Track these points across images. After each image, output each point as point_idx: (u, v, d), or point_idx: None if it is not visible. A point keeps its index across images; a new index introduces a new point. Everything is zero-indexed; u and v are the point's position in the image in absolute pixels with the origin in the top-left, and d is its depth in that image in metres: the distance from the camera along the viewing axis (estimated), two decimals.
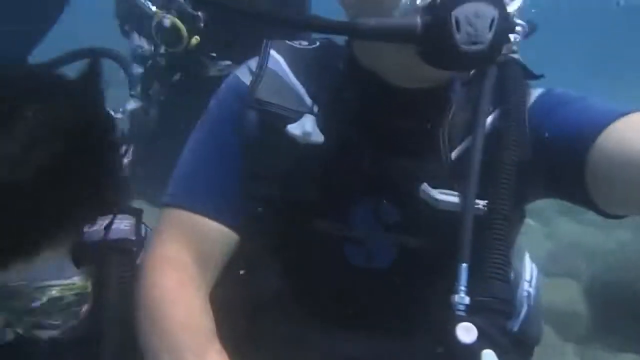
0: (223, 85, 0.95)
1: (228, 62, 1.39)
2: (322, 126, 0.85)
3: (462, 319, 0.74)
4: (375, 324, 0.90)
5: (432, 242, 0.86)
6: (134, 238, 0.86)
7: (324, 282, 0.91)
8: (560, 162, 0.80)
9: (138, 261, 0.88)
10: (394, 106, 0.84)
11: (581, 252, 3.94)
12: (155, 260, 0.86)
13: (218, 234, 0.89)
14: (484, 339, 0.73)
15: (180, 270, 0.86)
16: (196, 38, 1.33)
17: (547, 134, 0.82)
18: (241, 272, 0.93)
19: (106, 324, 0.81)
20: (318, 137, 0.85)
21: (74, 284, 0.74)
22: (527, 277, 1.04)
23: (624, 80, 9.98)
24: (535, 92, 0.88)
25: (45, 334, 0.77)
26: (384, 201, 0.86)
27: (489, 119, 0.84)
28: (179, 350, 0.76)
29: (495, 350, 0.73)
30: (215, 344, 0.78)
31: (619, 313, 3.30)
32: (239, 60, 0.98)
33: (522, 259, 1.06)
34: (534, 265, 1.08)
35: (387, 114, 0.84)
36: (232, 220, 0.89)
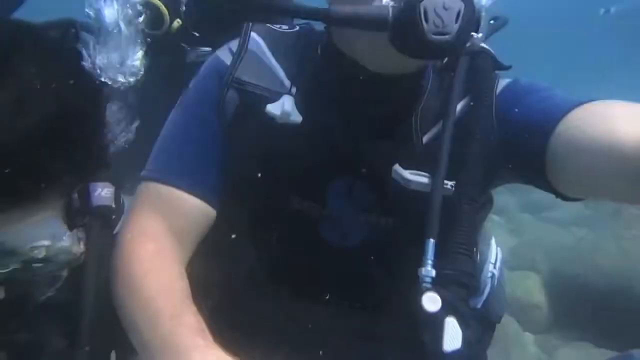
0: (204, 65, 0.97)
1: (208, 49, 1.39)
2: (300, 107, 0.88)
3: (428, 290, 0.79)
4: (348, 298, 0.95)
5: (403, 220, 0.90)
6: (114, 206, 0.87)
7: (299, 258, 0.94)
8: (523, 147, 0.85)
9: (115, 230, 0.89)
10: (369, 90, 0.88)
11: (541, 247, 4.10)
12: (132, 232, 0.87)
13: (194, 208, 0.91)
14: (447, 308, 0.78)
15: (156, 242, 0.87)
16: (178, 21, 1.33)
17: (512, 121, 0.87)
18: (232, 236, 0.94)
19: (85, 289, 0.83)
20: (296, 118, 0.88)
21: (64, 246, 0.76)
22: (492, 259, 1.10)
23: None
24: (504, 82, 0.93)
25: (34, 295, 0.78)
26: (358, 182, 0.90)
27: (459, 106, 0.89)
28: (155, 316, 0.76)
29: (457, 319, 0.78)
30: (190, 306, 0.79)
31: (576, 305, 3.45)
32: (219, 46, 1.00)
33: (488, 243, 1.12)
34: (498, 249, 1.14)
35: (363, 98, 0.88)
36: (209, 195, 0.91)
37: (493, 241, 1.15)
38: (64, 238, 0.75)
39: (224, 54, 0.95)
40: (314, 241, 0.93)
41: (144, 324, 0.77)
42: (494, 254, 1.11)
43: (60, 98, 0.68)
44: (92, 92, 0.77)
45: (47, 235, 0.73)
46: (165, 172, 0.91)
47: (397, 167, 0.87)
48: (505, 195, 4.88)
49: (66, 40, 0.80)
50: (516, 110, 0.87)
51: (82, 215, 0.82)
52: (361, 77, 0.87)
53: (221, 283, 0.95)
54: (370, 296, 0.95)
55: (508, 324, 3.27)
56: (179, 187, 0.90)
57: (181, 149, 0.93)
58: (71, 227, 0.77)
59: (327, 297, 0.95)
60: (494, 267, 1.10)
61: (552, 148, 0.81)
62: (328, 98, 0.89)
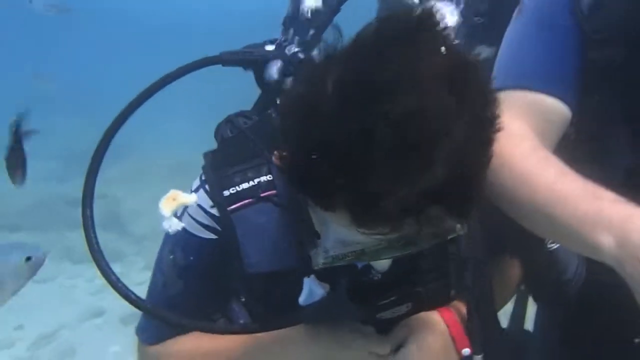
0: None
1: None
2: None
3: None
4: None
5: None
6: None
7: None
8: None
9: None
10: None
11: None
12: (504, 136, 0.80)
13: (552, 109, 0.91)
14: None
15: (529, 140, 0.87)
16: None
17: None
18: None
19: None
20: None
21: None
22: None
23: None
24: None
25: None
26: None
27: None
28: (569, 195, 0.75)
29: None
30: (596, 185, 0.75)
31: None
32: None
33: None
34: None
35: None
36: (567, 95, 0.91)
37: None
38: None
39: None
40: None
41: (553, 206, 0.77)
42: None
43: None
44: None
45: None
46: (518, 77, 0.92)
47: None
48: None
49: None
50: None
51: None
52: None
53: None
54: None
55: None
56: (535, 90, 0.90)
57: (531, 53, 0.92)
58: None
59: None
60: None
61: None
62: None
